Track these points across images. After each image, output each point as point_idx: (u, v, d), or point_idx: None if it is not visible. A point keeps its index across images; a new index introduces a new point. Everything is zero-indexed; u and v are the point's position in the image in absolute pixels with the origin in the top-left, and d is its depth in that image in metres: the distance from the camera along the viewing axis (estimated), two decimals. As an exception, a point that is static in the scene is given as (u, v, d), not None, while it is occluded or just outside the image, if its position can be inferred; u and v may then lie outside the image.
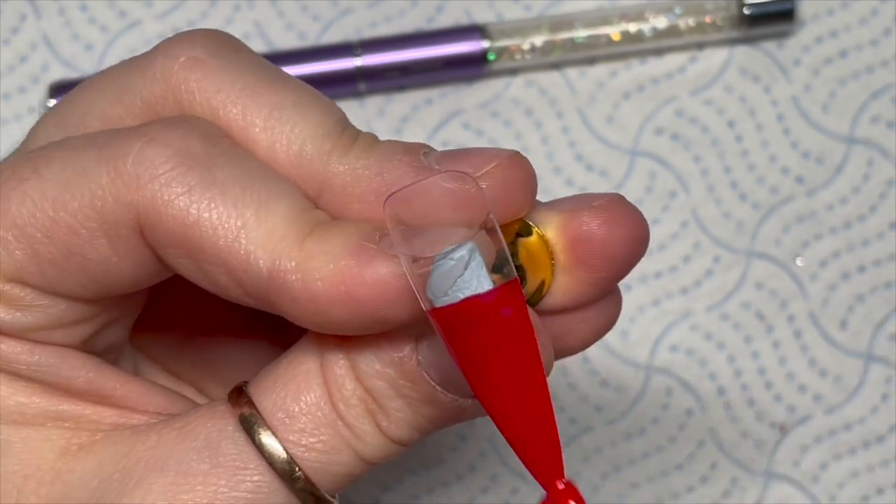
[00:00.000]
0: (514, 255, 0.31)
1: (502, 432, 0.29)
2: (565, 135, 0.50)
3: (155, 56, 0.31)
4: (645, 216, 0.31)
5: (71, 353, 0.31)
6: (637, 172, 0.50)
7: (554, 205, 0.31)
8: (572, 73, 0.50)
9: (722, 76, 0.50)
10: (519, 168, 0.30)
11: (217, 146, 0.30)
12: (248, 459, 0.30)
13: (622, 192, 0.49)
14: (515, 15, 0.51)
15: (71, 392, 0.31)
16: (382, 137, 0.32)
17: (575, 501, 0.28)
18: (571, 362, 0.48)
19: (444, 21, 0.51)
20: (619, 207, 0.31)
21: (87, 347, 0.32)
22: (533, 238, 0.31)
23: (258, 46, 0.51)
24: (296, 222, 0.30)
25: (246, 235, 0.29)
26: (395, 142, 0.31)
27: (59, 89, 0.49)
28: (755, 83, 0.50)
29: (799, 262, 0.49)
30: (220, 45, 0.32)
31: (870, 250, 0.49)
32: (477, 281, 0.28)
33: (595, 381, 0.48)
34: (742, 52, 0.50)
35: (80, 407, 0.31)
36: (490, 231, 0.29)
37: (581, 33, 0.50)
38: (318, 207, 0.31)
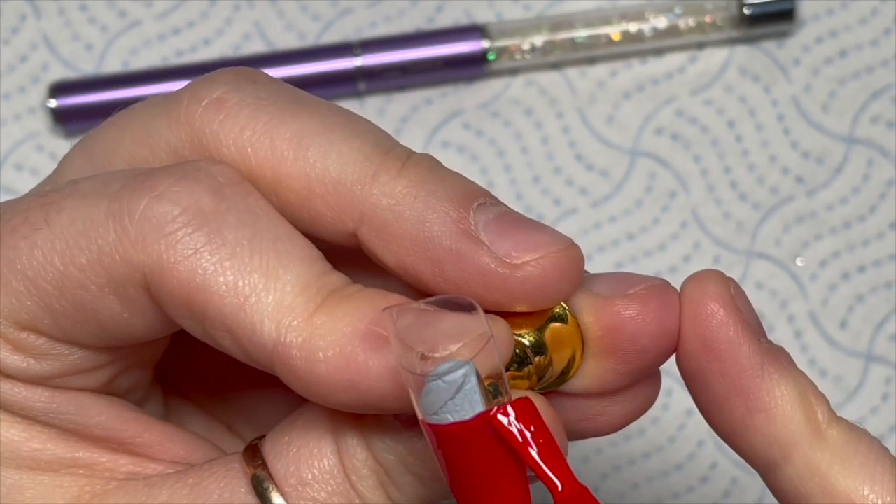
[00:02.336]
0: (542, 338, 0.30)
1: None
2: (565, 135, 0.50)
3: (181, 100, 0.30)
4: (645, 216, 0.30)
5: (90, 399, 0.31)
6: (637, 172, 0.50)
7: (591, 284, 0.30)
8: (572, 73, 0.50)
9: (722, 76, 0.50)
10: (569, 262, 0.29)
11: (228, 200, 0.29)
12: None
13: (622, 193, 0.49)
14: (515, 15, 0.51)
15: (87, 438, 0.31)
16: (374, 124, 0.31)
17: None
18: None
19: (444, 21, 0.51)
20: (655, 298, 0.29)
21: (109, 390, 0.31)
22: (567, 324, 0.30)
23: (258, 47, 0.51)
24: (306, 292, 0.28)
25: (252, 305, 0.28)
26: (451, 182, 0.29)
27: (59, 89, 0.49)
28: (755, 83, 0.50)
29: (799, 262, 0.49)
30: (239, 80, 0.31)
31: (870, 250, 0.49)
32: (469, 405, 0.26)
33: (595, 381, 0.48)
34: (742, 52, 0.50)
35: (95, 454, 0.31)
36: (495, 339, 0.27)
37: (581, 33, 0.50)
38: (358, 238, 0.30)
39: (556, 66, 0.50)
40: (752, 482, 0.47)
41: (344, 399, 0.28)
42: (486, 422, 0.26)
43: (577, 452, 0.48)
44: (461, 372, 0.26)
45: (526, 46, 0.49)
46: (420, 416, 0.27)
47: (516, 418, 0.27)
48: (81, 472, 0.31)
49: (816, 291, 0.49)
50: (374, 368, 0.27)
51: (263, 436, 0.31)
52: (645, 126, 0.50)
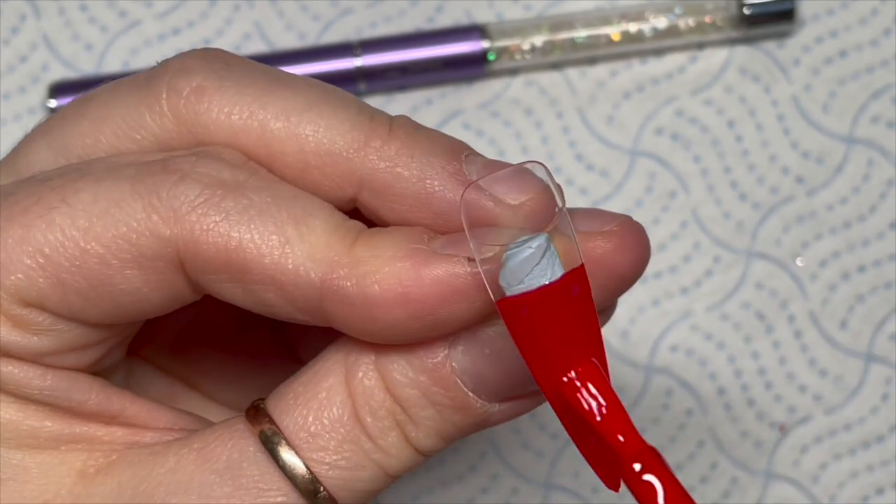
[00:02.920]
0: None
1: (565, 424, 0.29)
2: (565, 135, 0.50)
3: (159, 92, 0.31)
4: (645, 216, 0.31)
5: (80, 377, 0.31)
6: (637, 172, 0.50)
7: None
8: (572, 73, 0.50)
9: (722, 76, 0.50)
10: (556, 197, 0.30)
11: (244, 172, 0.30)
12: (270, 480, 0.30)
13: (622, 193, 0.49)
14: (515, 15, 0.51)
15: (82, 414, 0.31)
16: (349, 93, 0.32)
17: (656, 472, 0.28)
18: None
19: (444, 21, 0.51)
20: (630, 233, 0.31)
21: (93, 369, 0.32)
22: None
23: (258, 46, 0.51)
24: (338, 231, 0.30)
25: (292, 250, 0.29)
26: (436, 139, 0.31)
27: (59, 89, 0.49)
28: (755, 83, 0.50)
29: (799, 262, 0.49)
30: (213, 65, 0.31)
31: (870, 250, 0.49)
32: (552, 269, 0.28)
33: (595, 381, 0.48)
34: (742, 52, 0.50)
35: (91, 428, 0.31)
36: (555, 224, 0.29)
37: (581, 33, 0.50)
38: (358, 205, 0.31)
39: (556, 66, 0.50)
40: (753, 482, 0.47)
41: (400, 317, 0.29)
42: (569, 283, 0.28)
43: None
44: (545, 236, 0.28)
45: (526, 46, 0.49)
46: (498, 297, 0.28)
47: (587, 386, 0.28)
48: (81, 446, 0.31)
49: (816, 291, 0.49)
50: (427, 277, 0.29)
51: (262, 398, 0.31)
52: (645, 126, 0.50)
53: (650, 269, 0.49)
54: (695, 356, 0.48)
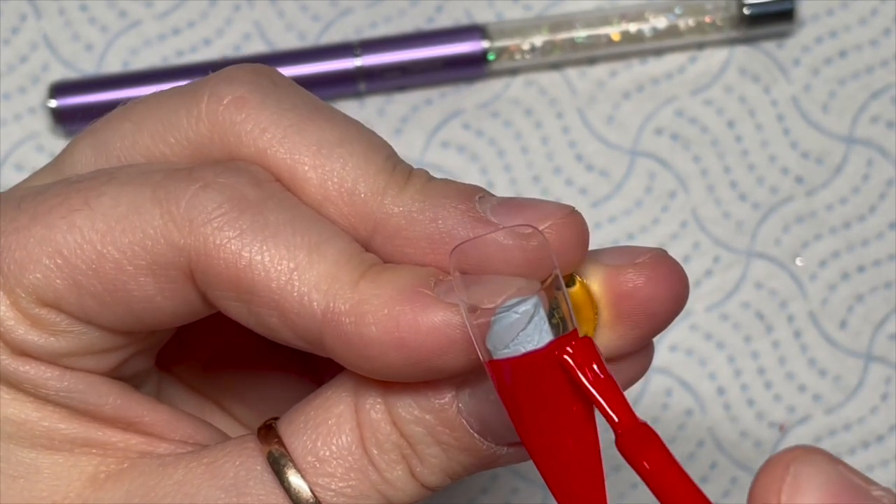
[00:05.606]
0: (557, 306, 0.30)
1: (550, 486, 0.29)
2: (565, 135, 0.50)
3: (200, 96, 0.31)
4: (645, 216, 0.30)
5: (99, 380, 0.31)
6: (637, 172, 0.50)
7: (598, 256, 0.31)
8: (572, 73, 0.50)
9: (722, 76, 0.50)
10: (574, 227, 0.30)
11: (268, 191, 0.30)
12: (275, 501, 0.30)
13: (622, 193, 0.49)
14: (515, 15, 0.51)
15: (98, 419, 0.31)
16: (382, 138, 0.32)
17: None
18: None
19: (444, 21, 0.51)
20: (663, 265, 0.31)
21: (114, 374, 0.32)
22: (576, 288, 0.30)
23: (258, 47, 0.51)
24: (348, 264, 0.29)
25: (299, 277, 0.29)
26: (450, 184, 0.31)
27: (59, 89, 0.50)
28: (755, 83, 0.50)
29: (799, 262, 0.49)
30: (260, 80, 0.32)
31: (870, 250, 0.49)
32: (539, 335, 0.28)
33: (595, 381, 0.48)
34: (742, 52, 0.50)
35: (107, 434, 0.31)
36: (549, 285, 0.28)
37: (581, 33, 0.50)
38: (370, 248, 0.31)
39: (556, 66, 0.50)
40: (752, 482, 0.47)
41: (394, 360, 0.29)
42: (557, 350, 0.28)
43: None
44: (533, 301, 0.28)
45: (526, 46, 0.50)
46: (486, 358, 0.28)
47: (578, 356, 0.28)
48: (95, 451, 0.31)
49: (816, 291, 0.49)
50: (424, 324, 0.28)
51: (276, 418, 0.31)
52: (645, 126, 0.50)
53: (650, 269, 0.49)
54: (694, 356, 0.48)
